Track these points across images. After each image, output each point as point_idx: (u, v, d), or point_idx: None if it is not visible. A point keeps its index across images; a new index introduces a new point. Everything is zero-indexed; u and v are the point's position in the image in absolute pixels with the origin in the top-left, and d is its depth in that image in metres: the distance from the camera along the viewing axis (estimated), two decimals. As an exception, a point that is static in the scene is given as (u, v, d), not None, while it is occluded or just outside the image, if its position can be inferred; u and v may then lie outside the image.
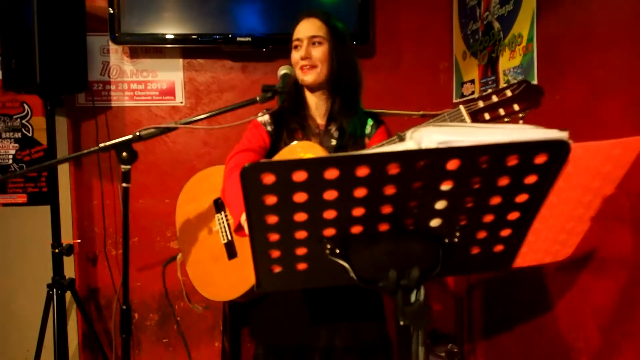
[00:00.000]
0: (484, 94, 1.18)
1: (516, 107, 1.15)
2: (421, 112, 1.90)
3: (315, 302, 1.48)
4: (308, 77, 1.49)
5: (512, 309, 2.18)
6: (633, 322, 1.47)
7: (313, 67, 1.48)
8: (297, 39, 1.50)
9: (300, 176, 0.64)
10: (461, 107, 1.19)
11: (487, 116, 1.17)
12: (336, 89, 1.53)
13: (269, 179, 0.64)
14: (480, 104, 1.16)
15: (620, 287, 1.52)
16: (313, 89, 1.54)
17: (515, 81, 1.18)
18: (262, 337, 1.55)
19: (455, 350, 2.46)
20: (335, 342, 1.46)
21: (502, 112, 1.15)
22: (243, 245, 1.49)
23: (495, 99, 1.16)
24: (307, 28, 1.50)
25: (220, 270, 1.54)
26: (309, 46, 1.48)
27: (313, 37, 1.48)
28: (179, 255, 1.67)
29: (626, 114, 1.48)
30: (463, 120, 1.19)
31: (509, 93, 1.14)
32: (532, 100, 1.14)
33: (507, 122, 1.17)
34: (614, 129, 1.52)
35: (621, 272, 1.51)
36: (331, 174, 0.64)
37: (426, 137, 0.63)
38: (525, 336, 2.04)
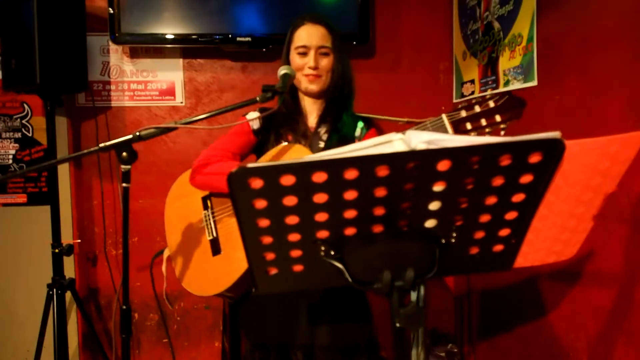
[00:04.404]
0: (467, 104, 1.20)
1: (498, 118, 1.16)
2: (405, 119, 1.94)
3: (298, 301, 1.50)
4: (314, 86, 1.51)
5: (512, 309, 2.17)
6: (633, 322, 1.46)
7: (319, 76, 1.50)
8: (304, 46, 1.49)
9: (288, 180, 0.63)
10: (444, 115, 1.21)
11: (468, 126, 1.19)
12: (333, 96, 1.56)
13: (257, 183, 0.64)
14: (463, 113, 1.18)
15: (620, 288, 1.51)
16: (314, 95, 1.56)
17: (499, 92, 1.20)
18: (250, 334, 1.58)
19: (455, 350, 2.46)
20: (316, 341, 1.48)
21: (483, 122, 1.17)
22: (227, 242, 1.51)
23: (477, 109, 1.18)
24: (315, 36, 1.49)
25: (204, 266, 1.56)
26: (317, 56, 1.48)
27: (322, 47, 1.49)
28: (166, 250, 1.68)
29: (626, 114, 1.47)
30: (445, 129, 1.21)
31: (491, 104, 1.17)
32: (514, 111, 1.16)
33: (488, 133, 1.21)
34: (615, 129, 1.50)
35: (621, 273, 1.50)
36: (319, 177, 0.63)
37: (415, 137, 0.63)
38: (525, 336, 2.04)
